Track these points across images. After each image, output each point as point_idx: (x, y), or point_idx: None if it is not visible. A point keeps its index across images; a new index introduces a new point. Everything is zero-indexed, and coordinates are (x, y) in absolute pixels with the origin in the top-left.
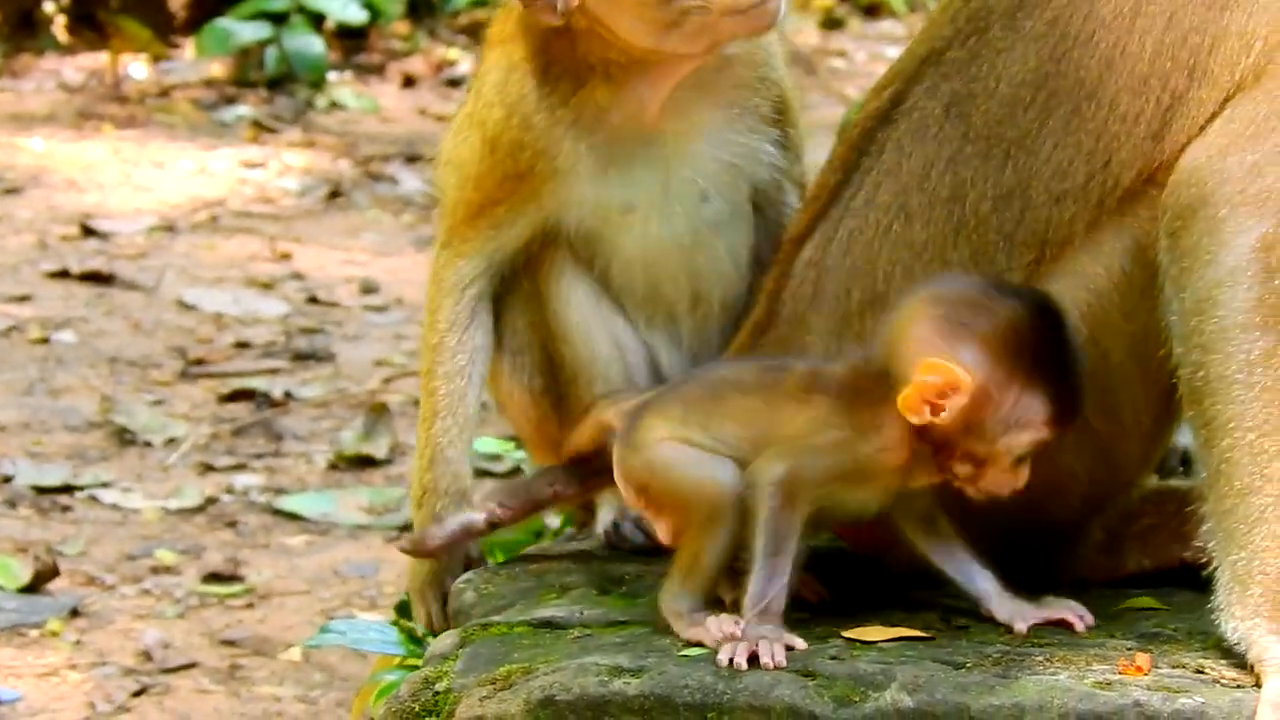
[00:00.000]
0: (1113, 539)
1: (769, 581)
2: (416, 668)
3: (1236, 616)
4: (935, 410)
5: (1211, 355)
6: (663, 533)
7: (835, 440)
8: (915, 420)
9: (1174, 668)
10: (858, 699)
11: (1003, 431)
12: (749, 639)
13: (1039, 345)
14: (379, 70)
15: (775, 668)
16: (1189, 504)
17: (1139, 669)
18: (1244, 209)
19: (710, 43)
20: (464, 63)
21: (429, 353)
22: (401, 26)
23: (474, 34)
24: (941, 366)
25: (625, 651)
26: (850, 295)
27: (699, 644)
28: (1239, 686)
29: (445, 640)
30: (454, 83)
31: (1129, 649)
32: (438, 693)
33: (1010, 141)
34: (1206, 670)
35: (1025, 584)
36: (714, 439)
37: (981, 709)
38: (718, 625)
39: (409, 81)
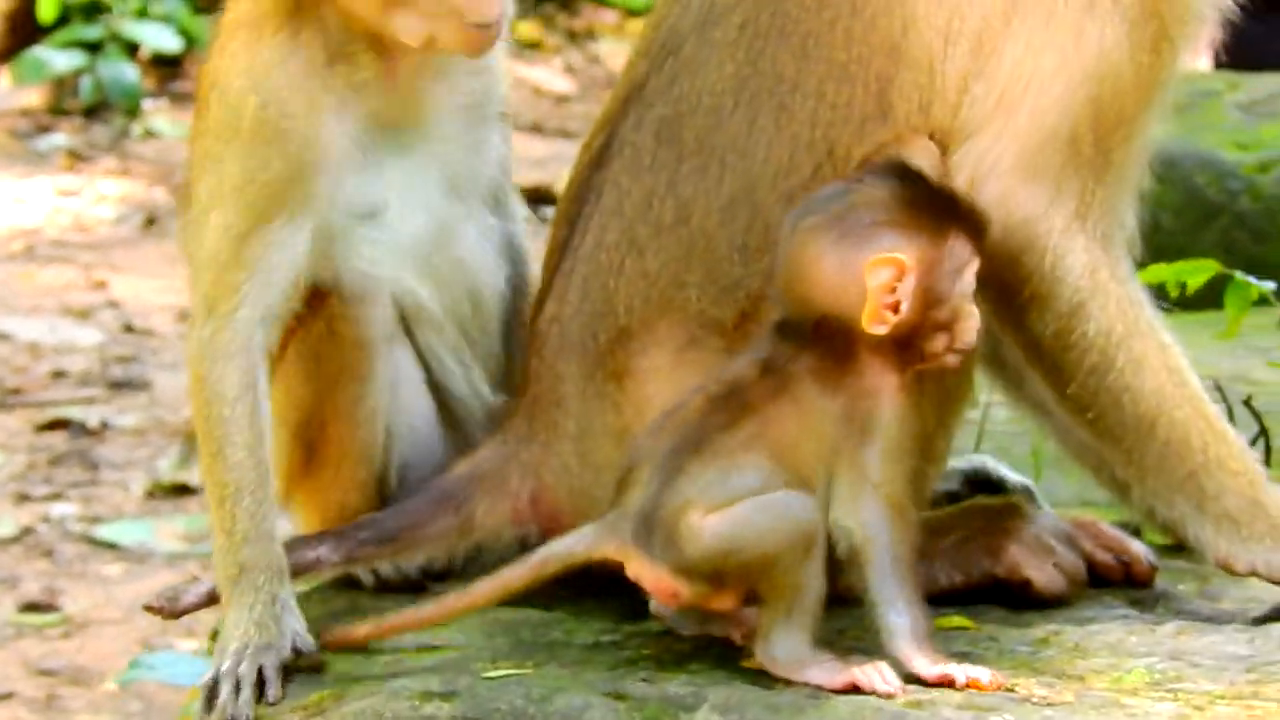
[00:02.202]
0: (921, 556)
1: (917, 610)
2: None
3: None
4: (895, 308)
5: None
6: (726, 602)
7: (870, 424)
8: (883, 327)
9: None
10: None
11: (953, 282)
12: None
13: (924, 195)
14: (194, 98)
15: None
16: (998, 519)
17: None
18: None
19: (429, 41)
20: None
21: (216, 427)
22: None
23: None
24: (881, 260)
25: (436, 675)
26: (597, 338)
27: (852, 689)
28: (1050, 704)
29: None
30: None
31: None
32: None
33: (723, 150)
34: (1017, 689)
35: (834, 600)
36: (743, 486)
37: None
38: (878, 673)
39: None
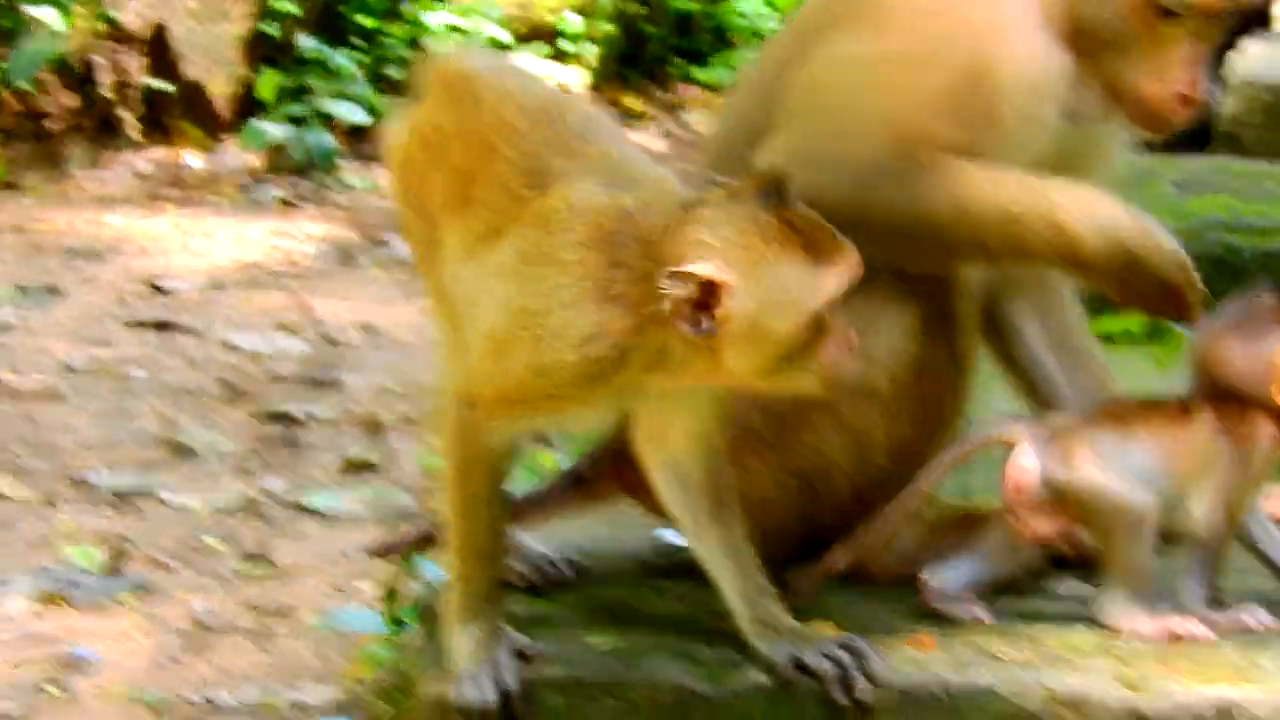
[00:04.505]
0: (919, 549)
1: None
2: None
3: None
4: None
5: None
6: (1046, 528)
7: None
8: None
9: (965, 647)
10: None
11: None
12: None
13: None
14: (378, 158)
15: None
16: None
17: (925, 644)
18: None
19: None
20: None
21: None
22: None
23: None
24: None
25: (542, 639)
26: None
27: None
28: (1014, 661)
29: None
30: None
31: (914, 629)
32: (403, 672)
33: None
34: (988, 648)
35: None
36: (1126, 467)
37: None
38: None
39: None
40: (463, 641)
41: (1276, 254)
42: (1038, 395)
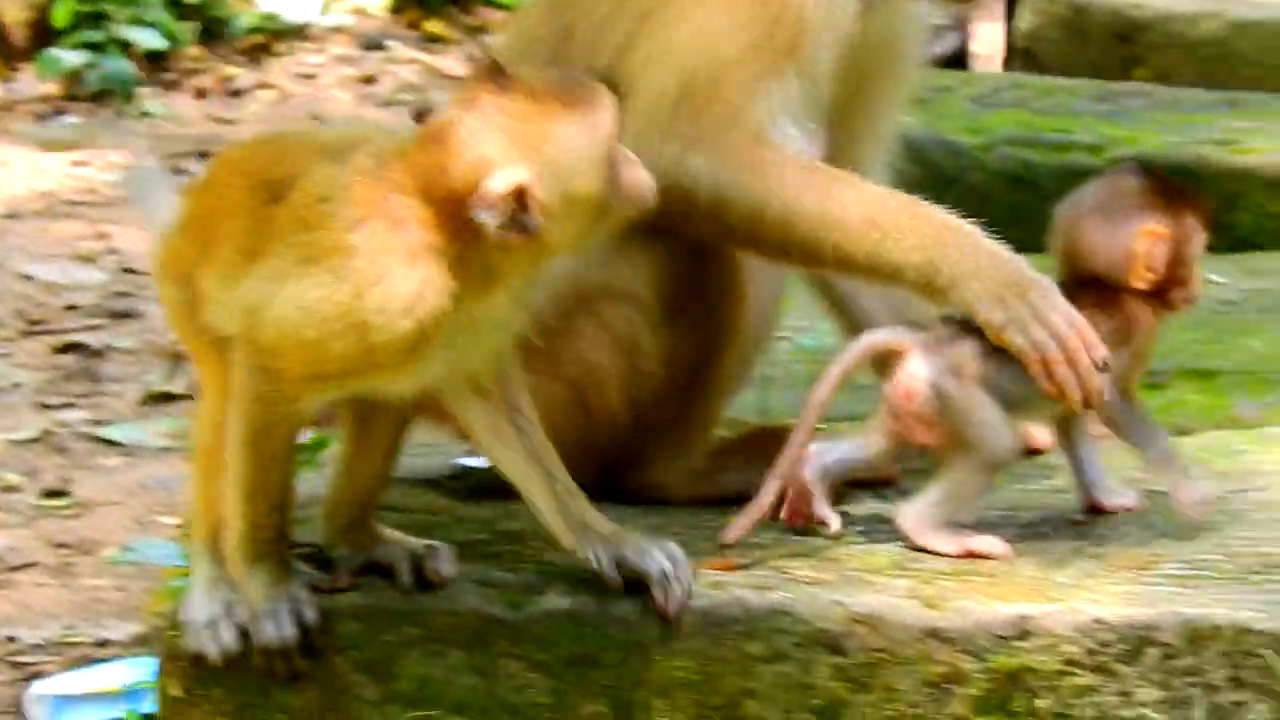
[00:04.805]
0: (710, 468)
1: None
2: None
3: None
4: (1152, 269)
5: None
6: (923, 438)
7: None
8: (1143, 283)
9: (764, 568)
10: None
11: (1189, 249)
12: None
13: (1164, 184)
14: (177, 86)
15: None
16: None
17: (725, 566)
18: None
19: None
20: (243, 78)
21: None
22: (194, 50)
23: (253, 55)
24: (1145, 232)
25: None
26: None
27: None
28: (815, 583)
29: None
30: (236, 93)
31: (712, 552)
32: None
33: None
34: (789, 571)
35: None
36: (1013, 374)
37: (622, 608)
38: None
39: (201, 94)
40: (254, 582)
41: (1073, 169)
42: (846, 311)
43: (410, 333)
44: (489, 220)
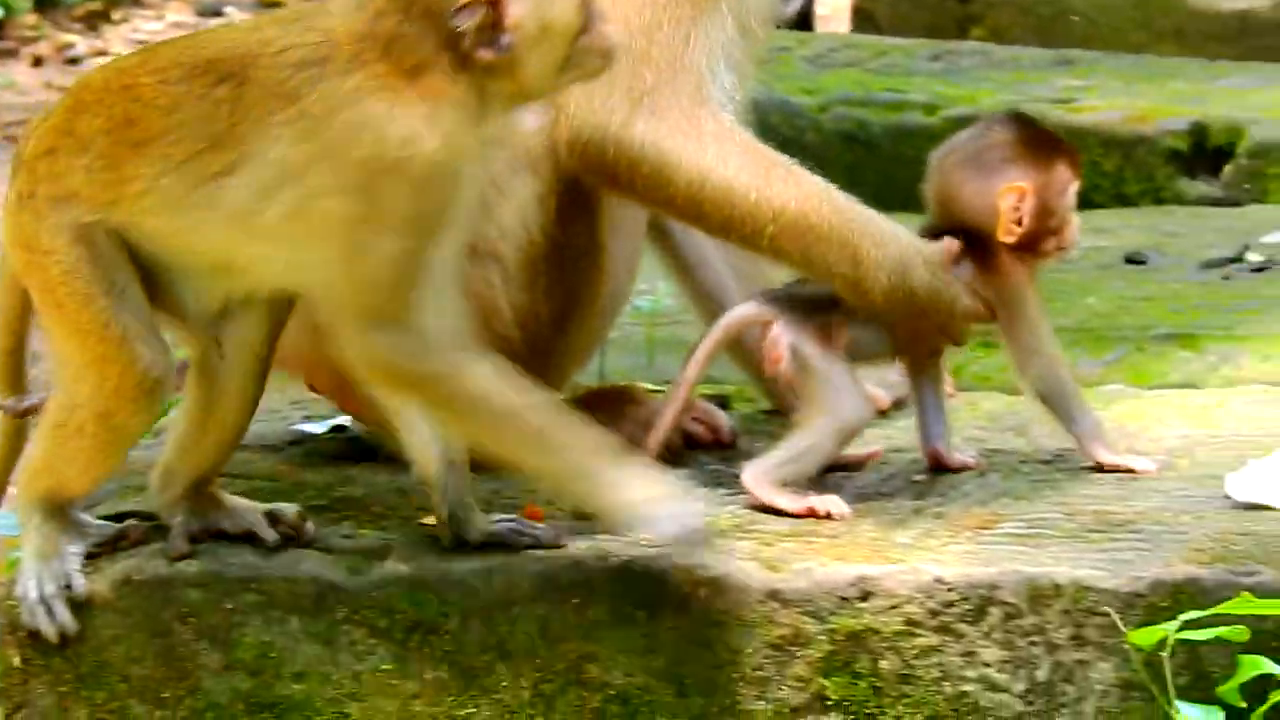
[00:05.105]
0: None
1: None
2: None
3: None
4: (1019, 222)
5: None
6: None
7: None
8: (1011, 237)
9: (606, 535)
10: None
11: (1060, 200)
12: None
13: (1036, 135)
14: (13, 54)
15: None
16: (617, 401)
17: (535, 514)
18: None
19: None
20: (80, 45)
21: None
22: (30, 18)
23: (90, 22)
24: (1009, 188)
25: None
26: None
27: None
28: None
29: None
30: (73, 60)
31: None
32: None
33: None
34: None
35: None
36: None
37: (463, 573)
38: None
39: (37, 62)
40: (42, 534)
41: (907, 128)
42: (693, 276)
43: (439, 150)
44: (466, 23)
